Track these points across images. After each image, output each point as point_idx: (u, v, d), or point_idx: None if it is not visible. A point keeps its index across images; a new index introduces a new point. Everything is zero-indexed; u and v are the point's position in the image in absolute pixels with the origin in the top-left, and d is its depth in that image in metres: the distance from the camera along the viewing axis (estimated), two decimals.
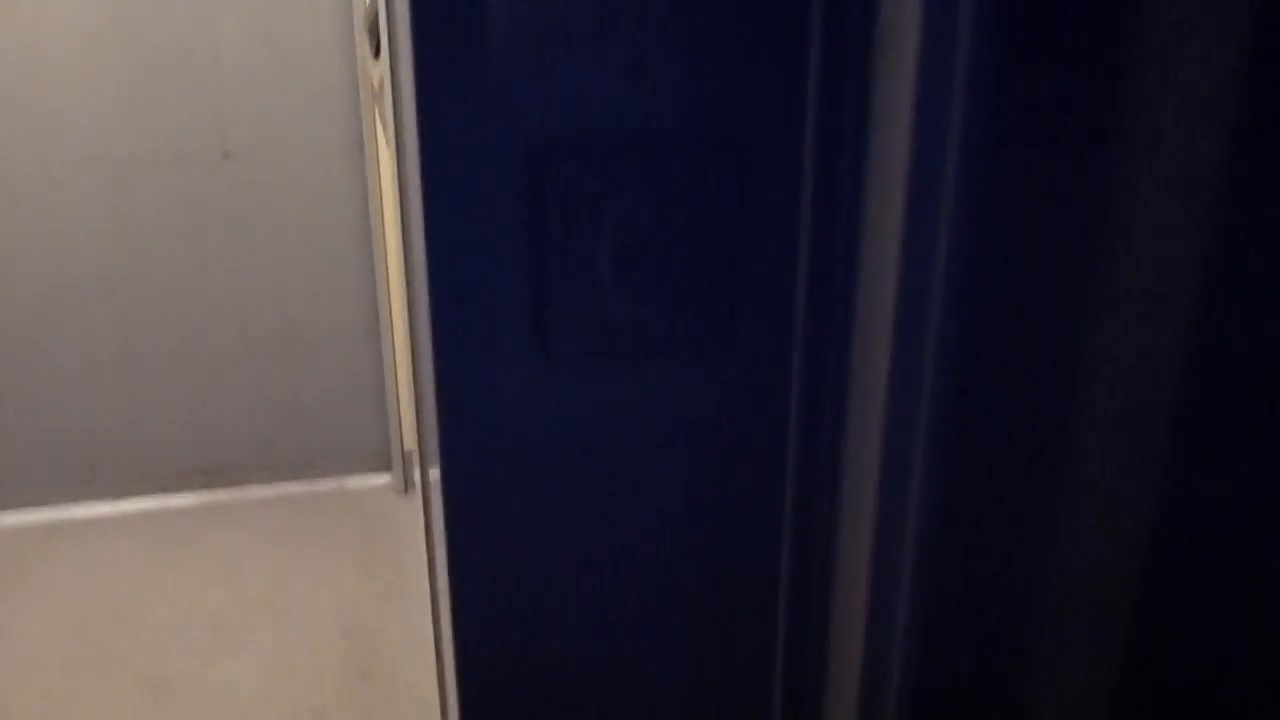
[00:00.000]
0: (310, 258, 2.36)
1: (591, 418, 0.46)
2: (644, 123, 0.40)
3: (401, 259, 0.85)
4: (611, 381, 0.45)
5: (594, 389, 0.46)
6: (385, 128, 1.31)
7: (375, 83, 1.34)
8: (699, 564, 0.49)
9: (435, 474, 0.50)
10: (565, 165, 0.41)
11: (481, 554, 0.48)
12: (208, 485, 2.45)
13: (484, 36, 0.39)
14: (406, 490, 2.44)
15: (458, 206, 0.41)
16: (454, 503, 0.46)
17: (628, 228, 0.42)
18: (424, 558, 0.88)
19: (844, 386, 0.42)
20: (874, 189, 0.39)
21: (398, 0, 0.44)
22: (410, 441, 2.45)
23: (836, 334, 0.44)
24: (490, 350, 0.44)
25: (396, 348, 2.39)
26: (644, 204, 0.42)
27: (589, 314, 0.43)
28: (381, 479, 2.49)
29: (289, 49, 2.22)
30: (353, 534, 2.30)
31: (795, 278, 0.42)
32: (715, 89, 0.41)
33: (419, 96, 0.39)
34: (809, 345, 0.43)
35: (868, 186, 0.39)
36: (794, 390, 0.45)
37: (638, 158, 0.41)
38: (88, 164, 2.23)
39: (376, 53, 1.34)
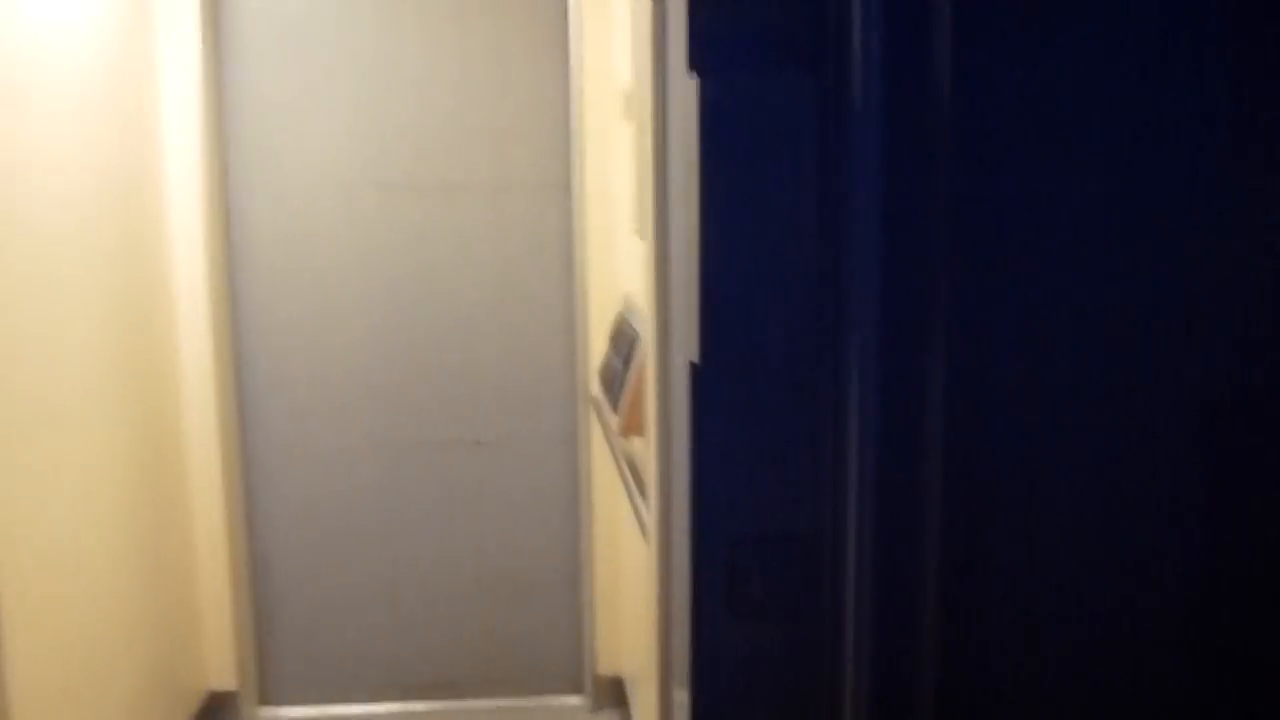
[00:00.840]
0: (531, 521, 3.10)
1: (761, 645, 1.11)
2: (785, 529, 1.07)
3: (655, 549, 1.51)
4: (762, 630, 1.10)
5: (757, 633, 1.10)
6: (622, 471, 2.00)
7: (614, 426, 2.07)
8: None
9: (682, 696, 1.14)
10: (742, 548, 1.08)
11: None
12: (440, 696, 3.13)
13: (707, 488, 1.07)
14: (595, 710, 3.05)
15: (705, 570, 1.08)
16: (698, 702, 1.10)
17: (769, 579, 1.07)
18: None
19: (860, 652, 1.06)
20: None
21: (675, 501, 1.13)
22: (601, 669, 3.08)
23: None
24: (713, 619, 1.10)
25: (595, 594, 3.06)
26: (777, 567, 1.07)
27: (751, 602, 1.08)
28: (575, 699, 3.12)
29: (529, 365, 3.04)
30: None
31: (845, 601, 1.06)
32: (806, 513, 1.07)
33: (692, 531, 1.07)
34: (855, 616, 1.07)
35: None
36: (858, 646, 1.09)
37: (775, 547, 1.07)
38: (375, 448, 3.06)
39: (615, 406, 2.07)
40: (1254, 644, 1.03)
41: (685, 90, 1.05)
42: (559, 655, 3.15)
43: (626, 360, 2.01)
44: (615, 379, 2.12)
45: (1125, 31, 0.92)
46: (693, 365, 1.06)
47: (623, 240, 2.75)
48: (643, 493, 1.68)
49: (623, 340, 2.18)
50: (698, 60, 1.02)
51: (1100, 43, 0.93)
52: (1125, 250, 0.95)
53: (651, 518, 1.34)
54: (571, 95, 2.96)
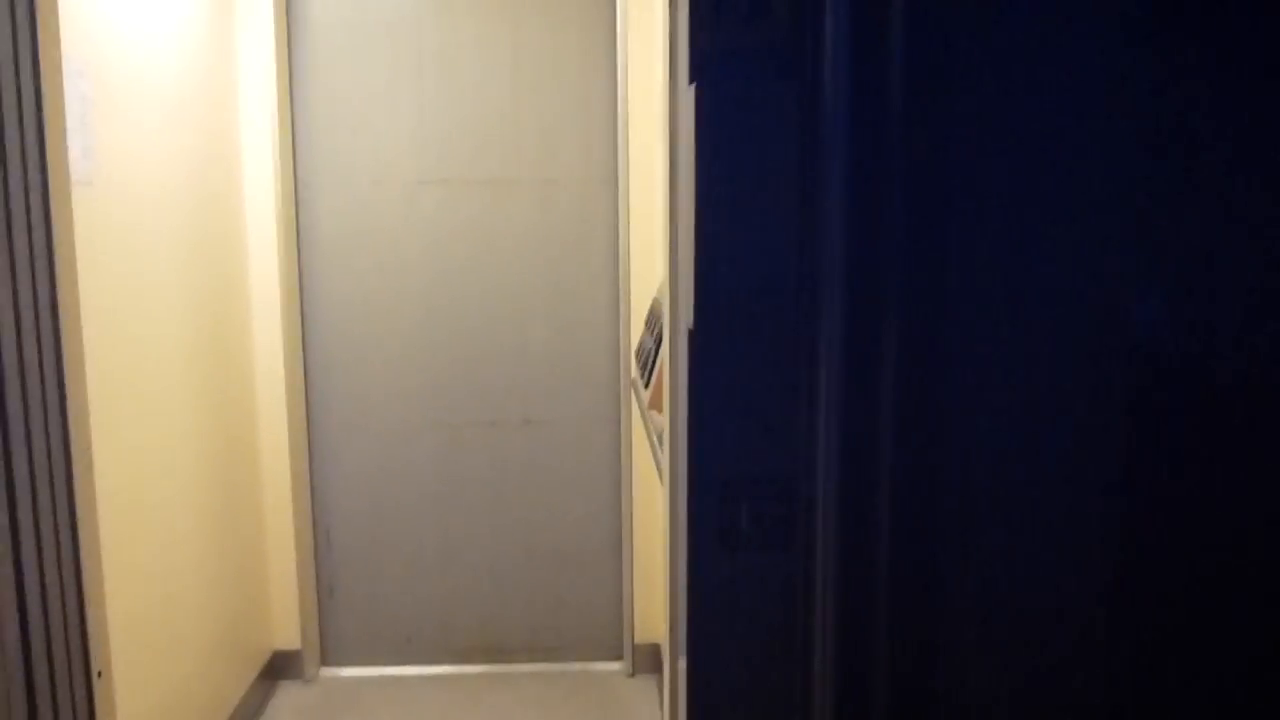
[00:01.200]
0: (575, 497, 3.29)
1: (747, 573, 1.28)
2: (767, 470, 1.24)
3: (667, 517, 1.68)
4: (751, 561, 1.27)
5: (743, 562, 1.27)
6: (650, 433, 2.18)
7: (645, 400, 2.24)
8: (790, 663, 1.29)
9: (683, 664, 1.31)
10: (732, 487, 1.25)
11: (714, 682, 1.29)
12: (489, 659, 3.33)
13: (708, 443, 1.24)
14: (634, 674, 3.23)
15: (701, 505, 1.26)
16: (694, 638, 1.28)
17: (754, 514, 1.24)
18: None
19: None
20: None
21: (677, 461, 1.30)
22: (639, 638, 3.26)
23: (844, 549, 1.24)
24: (708, 551, 1.27)
25: (635, 566, 3.24)
26: (761, 502, 1.24)
27: (739, 535, 1.25)
28: (615, 665, 3.30)
29: (575, 349, 3.23)
30: (592, 706, 3.09)
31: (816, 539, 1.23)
32: (782, 455, 1.23)
33: (690, 476, 1.25)
34: (838, 548, 1.24)
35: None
36: (825, 571, 1.25)
37: (758, 486, 1.24)
38: (430, 427, 3.27)
39: (647, 384, 2.24)
40: (1223, 632, 1.16)
41: (686, 96, 1.23)
42: (601, 623, 3.34)
43: (658, 340, 2.19)
44: (648, 358, 2.29)
45: (1069, 25, 1.07)
46: (690, 331, 1.23)
47: (664, 232, 2.92)
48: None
49: (655, 321, 2.35)
50: (696, 71, 1.20)
51: (1035, 42, 1.08)
52: (1060, 230, 1.10)
53: (665, 467, 1.51)
54: (618, 96, 3.14)
